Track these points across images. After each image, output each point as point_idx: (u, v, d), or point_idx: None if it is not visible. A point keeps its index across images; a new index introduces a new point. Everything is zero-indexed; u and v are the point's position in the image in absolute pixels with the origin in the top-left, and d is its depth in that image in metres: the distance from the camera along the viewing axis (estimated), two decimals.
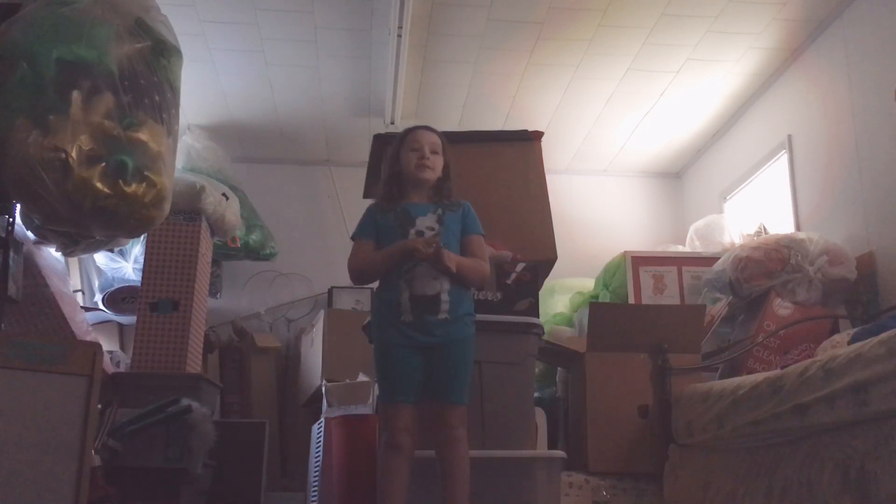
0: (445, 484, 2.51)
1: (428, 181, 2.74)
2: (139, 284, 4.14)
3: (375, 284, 2.78)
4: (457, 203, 2.77)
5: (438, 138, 2.79)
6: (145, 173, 2.88)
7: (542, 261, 3.42)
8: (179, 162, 4.45)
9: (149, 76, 2.97)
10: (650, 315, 3.95)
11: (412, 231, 2.65)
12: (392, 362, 2.60)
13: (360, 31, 4.47)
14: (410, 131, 2.82)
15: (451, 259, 2.57)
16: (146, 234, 3.99)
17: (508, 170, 3.60)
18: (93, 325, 4.37)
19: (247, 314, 5.51)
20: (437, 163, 2.75)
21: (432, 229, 2.66)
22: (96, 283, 4.71)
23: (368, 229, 2.75)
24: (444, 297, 2.59)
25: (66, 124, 2.73)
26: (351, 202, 5.57)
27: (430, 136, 2.78)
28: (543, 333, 3.20)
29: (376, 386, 2.94)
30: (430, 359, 2.58)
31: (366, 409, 3.55)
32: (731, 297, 4.14)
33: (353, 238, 2.78)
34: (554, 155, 5.51)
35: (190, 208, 4.16)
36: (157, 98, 2.97)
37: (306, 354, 5.02)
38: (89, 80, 2.81)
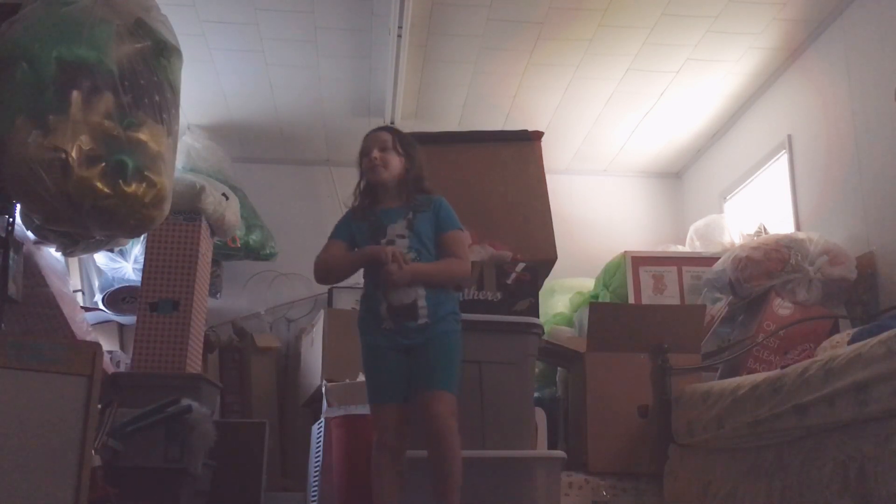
0: (436, 478, 2.50)
1: (384, 181, 2.72)
2: (139, 284, 4.14)
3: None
4: (427, 201, 2.73)
5: (389, 134, 2.76)
6: (145, 173, 2.88)
7: (542, 261, 3.43)
8: (179, 162, 4.44)
9: (149, 76, 2.97)
10: (650, 315, 3.96)
11: (383, 241, 2.65)
12: (377, 364, 2.63)
13: (360, 31, 4.47)
14: (364, 138, 2.81)
15: (405, 275, 2.56)
16: (146, 234, 3.99)
17: (508, 170, 3.61)
18: (93, 325, 4.37)
19: (247, 314, 5.51)
20: (390, 159, 2.72)
21: (402, 236, 2.65)
22: (96, 283, 4.70)
23: (342, 231, 2.76)
24: (422, 303, 2.59)
25: (66, 124, 2.73)
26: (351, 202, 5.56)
27: (377, 136, 2.76)
28: (543, 333, 3.20)
29: None
30: (413, 356, 2.59)
31: (366, 409, 3.54)
32: (731, 297, 4.14)
33: (329, 238, 2.79)
34: (554, 155, 5.51)
35: (190, 208, 4.16)
36: (157, 98, 2.97)
37: (306, 354, 5.02)
38: (89, 80, 2.80)
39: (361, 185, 2.78)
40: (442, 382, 2.55)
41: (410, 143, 2.79)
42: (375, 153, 2.71)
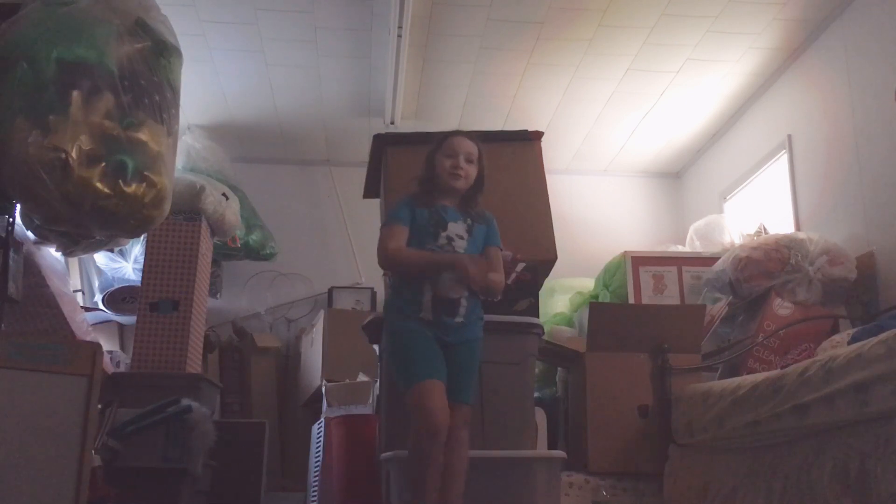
0: (443, 483, 2.50)
1: (459, 190, 2.76)
2: (139, 284, 4.14)
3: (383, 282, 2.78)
4: (483, 215, 2.80)
5: (475, 148, 2.78)
6: (145, 173, 2.88)
7: (542, 261, 3.42)
8: (179, 162, 4.44)
9: (149, 76, 2.97)
10: (650, 315, 3.95)
11: (443, 234, 2.68)
12: (419, 342, 2.58)
13: (360, 31, 4.47)
14: (449, 136, 2.81)
15: (490, 284, 2.65)
16: (146, 234, 3.98)
17: (508, 170, 3.60)
18: (93, 325, 4.37)
19: (247, 314, 5.51)
20: (471, 172, 2.76)
21: (462, 237, 2.70)
22: (96, 283, 4.71)
23: (406, 215, 2.73)
24: (464, 301, 2.64)
25: (66, 124, 2.73)
26: (351, 202, 5.58)
27: (466, 145, 2.77)
28: (543, 333, 3.20)
29: (377, 386, 2.93)
30: (444, 352, 2.60)
31: (366, 409, 3.55)
32: (731, 297, 4.14)
33: (388, 222, 2.75)
34: (554, 155, 5.51)
35: (190, 208, 4.16)
36: (157, 98, 2.97)
37: (306, 354, 5.02)
38: (89, 80, 2.81)
39: (423, 178, 2.79)
40: (467, 395, 2.60)
41: (484, 157, 2.81)
42: (463, 163, 2.74)
